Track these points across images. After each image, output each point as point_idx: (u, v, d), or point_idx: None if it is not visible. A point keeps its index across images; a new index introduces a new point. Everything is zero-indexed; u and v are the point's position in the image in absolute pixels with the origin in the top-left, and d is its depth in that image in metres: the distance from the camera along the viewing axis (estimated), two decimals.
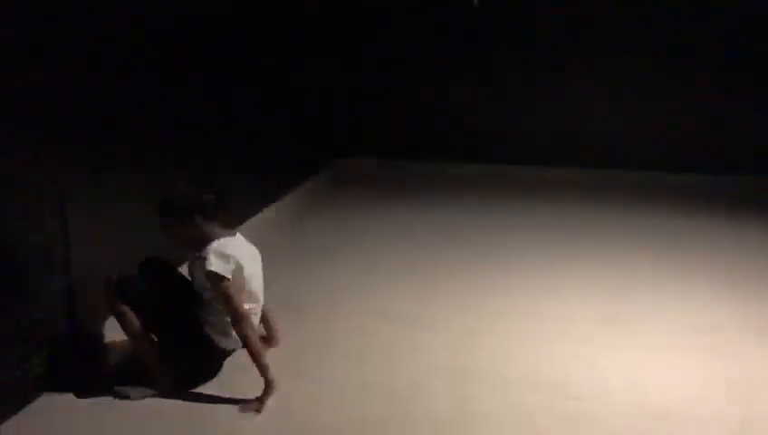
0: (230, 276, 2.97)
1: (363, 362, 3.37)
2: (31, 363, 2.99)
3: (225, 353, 3.17)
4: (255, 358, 2.99)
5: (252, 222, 4.87)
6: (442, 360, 3.39)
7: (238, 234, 3.18)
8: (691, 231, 5.28)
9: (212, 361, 3.20)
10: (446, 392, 3.11)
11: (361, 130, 6.91)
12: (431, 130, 6.81)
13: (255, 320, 3.20)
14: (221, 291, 2.97)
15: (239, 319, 2.97)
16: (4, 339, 2.85)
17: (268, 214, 5.29)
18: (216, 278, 2.96)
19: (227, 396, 3.05)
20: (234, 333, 3.06)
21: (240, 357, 3.13)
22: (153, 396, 3.04)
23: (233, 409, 2.96)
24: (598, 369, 3.31)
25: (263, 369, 2.98)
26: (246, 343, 2.99)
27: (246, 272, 3.06)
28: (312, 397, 3.07)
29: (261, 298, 3.24)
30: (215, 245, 3.00)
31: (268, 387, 2.96)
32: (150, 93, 3.83)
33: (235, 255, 3.01)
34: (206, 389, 3.12)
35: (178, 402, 3.03)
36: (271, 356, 3.17)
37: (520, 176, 6.57)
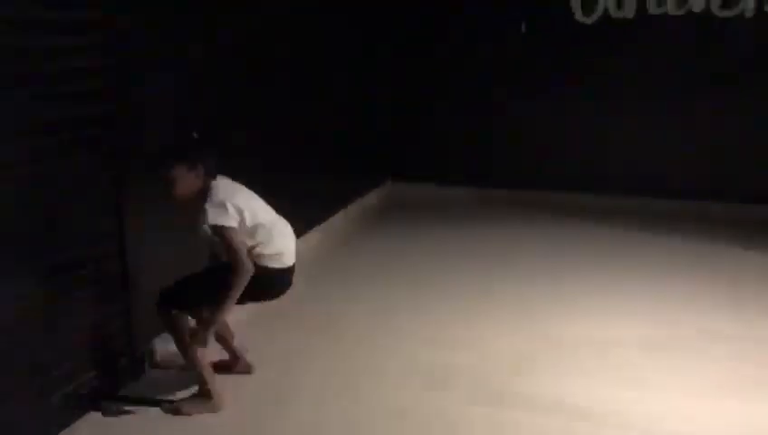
0: (235, 224, 3.01)
1: (402, 385, 3.36)
2: (83, 378, 3.06)
3: (286, 271, 3.21)
4: (217, 310, 3.02)
5: (304, 239, 4.92)
6: (486, 384, 3.36)
7: (219, 177, 3.15)
8: (743, 261, 5.15)
9: (278, 283, 3.23)
10: (488, 418, 3.08)
11: (414, 153, 6.92)
12: (484, 157, 6.77)
13: (285, 236, 3.22)
14: (226, 242, 3.01)
15: (236, 271, 2.99)
16: (57, 354, 2.92)
17: (320, 231, 5.34)
18: (222, 229, 3.00)
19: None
20: (282, 249, 3.15)
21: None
22: (205, 412, 3.09)
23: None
24: (644, 398, 3.24)
25: (206, 325, 3.06)
26: (227, 292, 3.00)
27: (246, 210, 3.06)
28: (348, 418, 3.08)
29: (275, 218, 3.22)
30: (209, 200, 3.03)
31: (202, 325, 3.07)
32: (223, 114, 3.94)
33: (228, 197, 3.03)
34: (252, 405, 3.15)
35: (229, 416, 3.08)
36: (310, 378, 3.21)
37: (567, 202, 6.46)
